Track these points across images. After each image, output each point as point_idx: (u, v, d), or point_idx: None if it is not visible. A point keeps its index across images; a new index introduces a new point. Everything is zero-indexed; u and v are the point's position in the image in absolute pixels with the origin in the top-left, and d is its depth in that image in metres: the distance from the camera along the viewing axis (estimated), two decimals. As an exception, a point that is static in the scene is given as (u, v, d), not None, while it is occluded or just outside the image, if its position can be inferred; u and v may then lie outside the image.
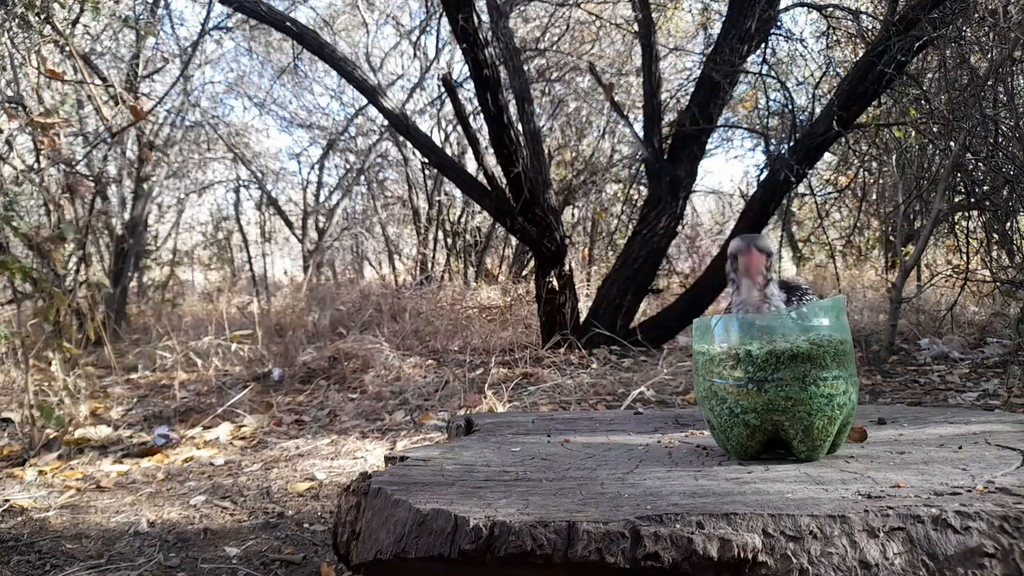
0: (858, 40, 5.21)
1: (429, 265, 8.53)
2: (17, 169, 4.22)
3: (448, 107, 7.58)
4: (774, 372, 1.27)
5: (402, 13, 9.18)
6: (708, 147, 6.10)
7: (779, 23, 5.40)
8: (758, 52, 5.30)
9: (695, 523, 0.97)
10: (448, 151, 7.78)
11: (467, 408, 3.65)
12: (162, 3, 6.60)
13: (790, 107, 5.15)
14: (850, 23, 5.33)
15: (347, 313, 6.27)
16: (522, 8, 6.99)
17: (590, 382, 4.09)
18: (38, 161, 3.54)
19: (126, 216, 7.44)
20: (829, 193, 6.48)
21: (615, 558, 0.97)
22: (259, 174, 9.37)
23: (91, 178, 5.85)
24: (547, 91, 7.96)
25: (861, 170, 5.96)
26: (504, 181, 5.09)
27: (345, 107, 9.38)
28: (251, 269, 9.57)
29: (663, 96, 5.61)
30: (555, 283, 5.21)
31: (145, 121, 6.46)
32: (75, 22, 3.63)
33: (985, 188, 4.55)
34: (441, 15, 6.94)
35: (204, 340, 4.79)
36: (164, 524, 2.38)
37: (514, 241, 8.19)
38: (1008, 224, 4.45)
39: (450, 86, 5.02)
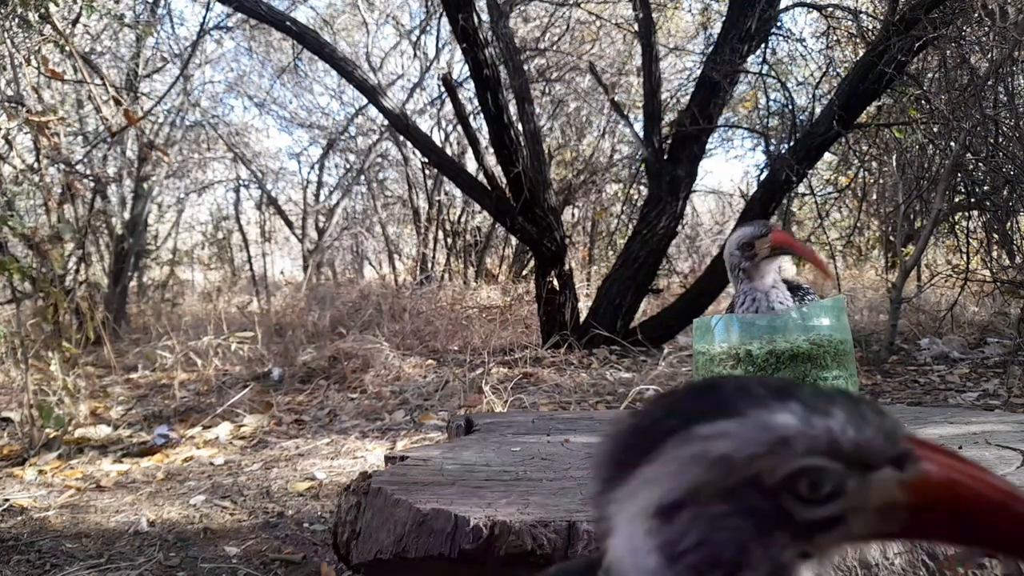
0: (858, 40, 5.20)
1: (429, 265, 8.53)
2: (17, 169, 4.22)
3: (448, 107, 7.58)
4: (774, 372, 1.27)
5: (402, 13, 9.18)
6: (708, 147, 6.10)
7: (779, 23, 5.40)
8: (758, 52, 5.29)
9: (695, 523, 0.97)
10: (448, 151, 7.78)
11: (467, 408, 3.65)
12: (162, 3, 6.59)
13: (790, 107, 5.15)
14: (850, 23, 5.33)
15: (347, 313, 6.27)
16: (522, 8, 6.99)
17: (590, 382, 4.09)
18: (38, 161, 3.55)
19: (126, 216, 7.43)
20: (829, 193, 6.47)
21: (615, 558, 0.97)
22: (259, 174, 9.37)
23: (91, 178, 5.85)
24: (547, 91, 7.96)
25: (861, 170, 5.95)
26: (504, 181, 5.09)
27: (345, 107, 9.39)
28: (251, 269, 9.56)
29: (663, 96, 5.61)
30: (555, 283, 5.21)
31: (144, 121, 6.46)
32: (75, 22, 3.63)
33: (985, 188, 4.55)
34: (441, 15, 6.94)
35: (204, 340, 4.78)
36: (164, 524, 2.38)
37: (514, 241, 8.19)
38: (1008, 224, 4.45)
39: (450, 86, 5.02)
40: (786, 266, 1.57)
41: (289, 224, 9.59)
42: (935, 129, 4.52)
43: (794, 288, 1.45)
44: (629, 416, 0.52)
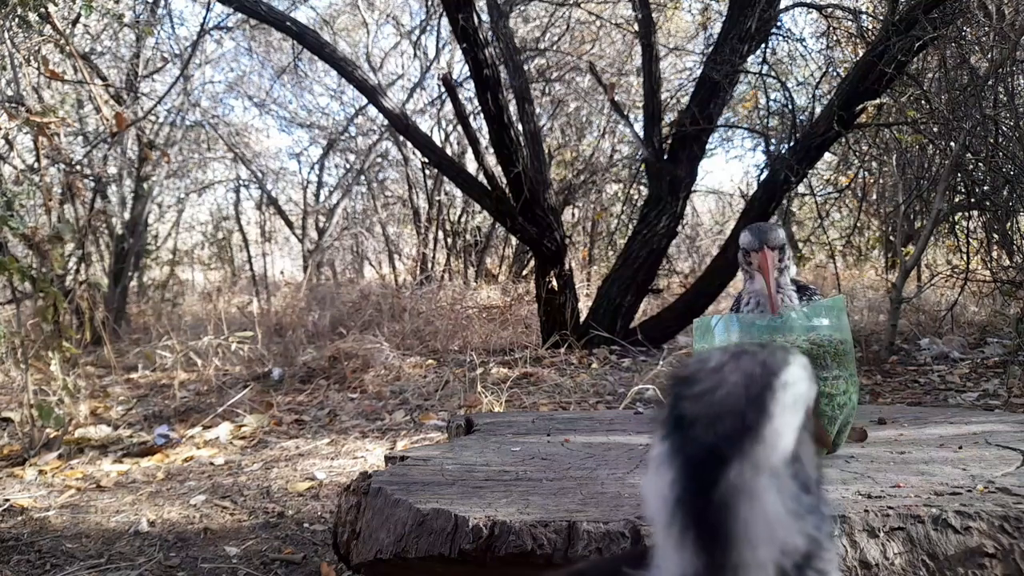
0: (858, 40, 5.20)
1: (429, 265, 8.53)
2: (17, 169, 4.22)
3: (448, 107, 7.58)
4: (774, 372, 1.27)
5: (402, 13, 9.19)
6: (708, 147, 6.09)
7: (779, 23, 5.40)
8: (758, 52, 5.29)
9: (695, 523, 0.97)
10: (448, 151, 7.78)
11: (467, 408, 3.65)
12: (162, 3, 6.59)
13: (790, 107, 5.15)
14: (850, 23, 5.33)
15: (347, 313, 6.27)
16: (522, 8, 6.99)
17: (590, 382, 4.09)
18: (38, 161, 3.55)
19: (126, 216, 7.43)
20: (829, 193, 6.47)
21: (615, 558, 0.97)
22: (259, 174, 9.36)
23: (91, 178, 5.84)
24: (547, 91, 7.96)
25: (861, 170, 5.95)
26: (504, 181, 5.09)
27: (345, 107, 9.38)
28: (251, 269, 9.56)
29: (663, 96, 5.61)
30: (555, 283, 5.21)
31: (144, 121, 6.46)
32: (75, 22, 3.63)
33: (985, 188, 4.55)
34: (441, 15, 6.94)
35: (204, 340, 4.78)
36: (164, 524, 2.38)
37: (514, 241, 8.19)
38: (1008, 224, 4.45)
39: (450, 86, 5.02)
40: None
41: (289, 224, 9.58)
42: (935, 129, 4.52)
43: (800, 288, 1.45)
44: (708, 388, 0.57)
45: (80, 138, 6.95)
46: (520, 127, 5.17)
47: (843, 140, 4.93)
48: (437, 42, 8.19)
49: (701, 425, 0.54)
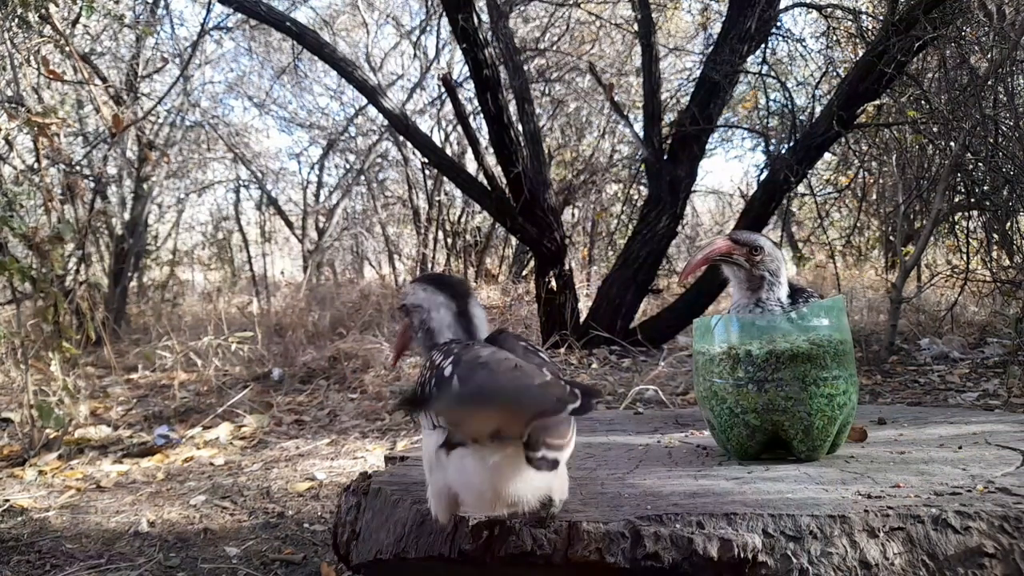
0: (858, 40, 5.20)
1: (429, 265, 8.53)
2: (17, 169, 4.22)
3: (448, 107, 7.58)
4: (774, 372, 1.27)
5: (402, 13, 9.19)
6: (708, 147, 6.09)
7: (779, 23, 5.40)
8: (758, 52, 5.29)
9: (695, 523, 0.97)
10: (448, 151, 7.78)
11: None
12: (162, 3, 6.59)
13: (790, 107, 5.15)
14: (850, 23, 5.33)
15: (347, 313, 6.27)
16: (522, 8, 6.99)
17: (590, 382, 4.09)
18: (38, 161, 3.55)
19: (126, 216, 7.43)
20: (829, 193, 6.47)
21: (615, 558, 0.97)
22: (259, 174, 9.36)
23: (91, 178, 5.84)
24: (547, 91, 7.96)
25: (861, 170, 5.95)
26: (504, 181, 5.09)
27: (345, 107, 9.39)
28: (251, 269, 9.56)
29: (663, 96, 5.61)
30: (555, 283, 5.21)
31: (144, 121, 6.46)
32: (75, 22, 3.63)
33: (985, 188, 4.55)
34: (441, 15, 6.94)
35: (204, 340, 4.78)
36: (164, 524, 2.38)
37: (514, 241, 8.19)
38: (1008, 224, 4.45)
39: (450, 86, 5.02)
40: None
41: (289, 224, 9.59)
42: (935, 129, 4.52)
43: (796, 291, 1.46)
44: None
45: (80, 138, 6.96)
46: (520, 127, 5.17)
47: (843, 140, 4.93)
48: (437, 42, 8.20)
49: (456, 286, 1.28)
